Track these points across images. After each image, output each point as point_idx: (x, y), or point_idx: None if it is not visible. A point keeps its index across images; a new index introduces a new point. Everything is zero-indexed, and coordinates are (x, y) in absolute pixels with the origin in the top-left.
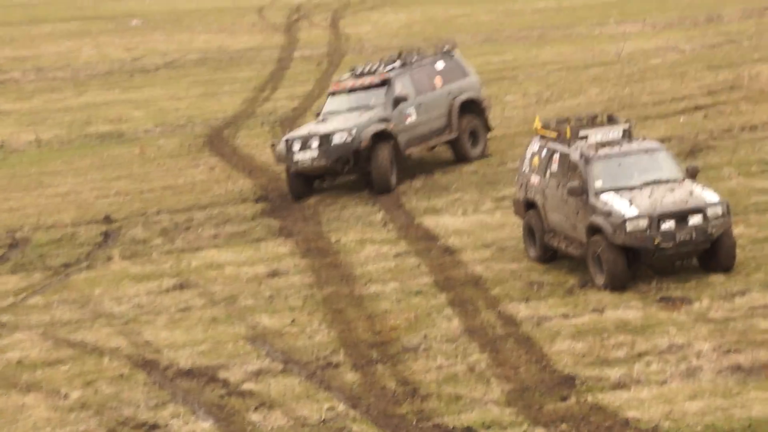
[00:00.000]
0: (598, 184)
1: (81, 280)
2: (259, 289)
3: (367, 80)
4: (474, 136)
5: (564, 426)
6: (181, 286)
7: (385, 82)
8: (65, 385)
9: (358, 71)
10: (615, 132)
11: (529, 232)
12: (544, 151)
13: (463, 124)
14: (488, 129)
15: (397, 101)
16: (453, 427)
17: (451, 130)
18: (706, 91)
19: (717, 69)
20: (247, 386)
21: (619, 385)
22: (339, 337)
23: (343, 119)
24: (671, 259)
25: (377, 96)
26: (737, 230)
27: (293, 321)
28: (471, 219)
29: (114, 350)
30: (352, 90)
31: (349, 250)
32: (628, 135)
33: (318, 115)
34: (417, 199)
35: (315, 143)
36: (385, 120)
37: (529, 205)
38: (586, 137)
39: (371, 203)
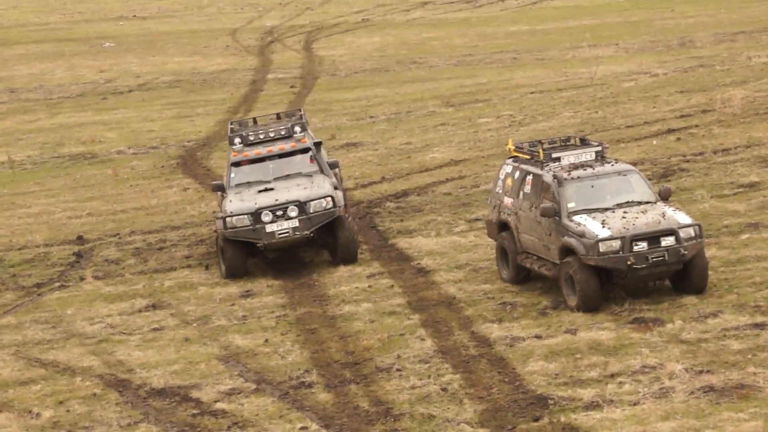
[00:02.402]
0: (571, 205)
1: (53, 300)
2: (232, 310)
3: (287, 146)
4: None
5: None
6: (154, 307)
7: (308, 149)
8: (37, 405)
9: (251, 138)
10: (588, 154)
11: (502, 254)
12: (517, 173)
13: None
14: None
15: (333, 167)
16: None
17: None
18: (678, 115)
19: (689, 93)
20: (220, 406)
21: (592, 406)
22: (312, 357)
23: (296, 187)
24: (644, 281)
25: (302, 162)
26: (710, 252)
27: (266, 341)
28: (444, 240)
29: (86, 370)
30: (267, 157)
31: (322, 270)
32: (600, 157)
33: (221, 189)
34: (390, 221)
35: (294, 212)
36: (336, 187)
37: (502, 227)
38: (559, 159)
39: None
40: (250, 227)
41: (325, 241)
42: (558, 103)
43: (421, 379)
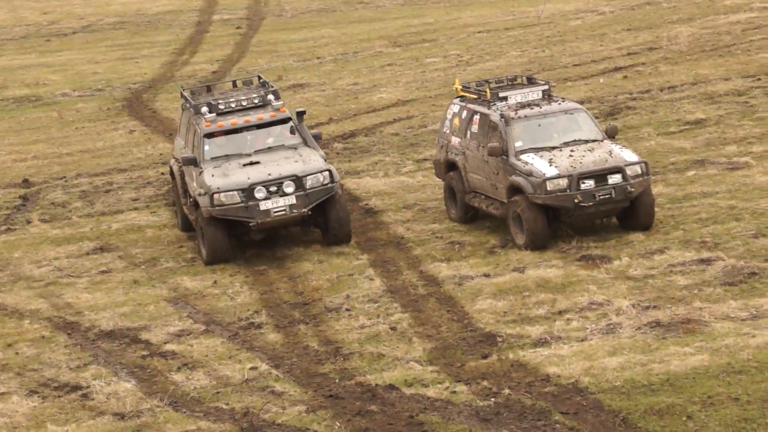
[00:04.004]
0: (518, 144)
1: (0, 244)
2: (181, 252)
3: (266, 115)
4: None
5: (485, 383)
6: (102, 249)
7: (288, 118)
8: None
9: (221, 106)
10: (535, 93)
11: (450, 193)
12: (465, 113)
13: None
14: None
15: (317, 138)
16: (375, 385)
17: None
18: (625, 53)
19: (636, 30)
20: (169, 347)
21: (540, 343)
22: (261, 298)
23: (285, 160)
24: (591, 218)
25: (282, 134)
26: (656, 189)
27: (215, 282)
28: (392, 180)
29: (34, 312)
30: (245, 128)
31: None
32: (547, 96)
33: (193, 163)
34: (338, 161)
35: (290, 188)
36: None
37: (450, 166)
38: (506, 98)
39: None
40: (242, 204)
41: (316, 220)
42: (505, 42)
43: (370, 319)
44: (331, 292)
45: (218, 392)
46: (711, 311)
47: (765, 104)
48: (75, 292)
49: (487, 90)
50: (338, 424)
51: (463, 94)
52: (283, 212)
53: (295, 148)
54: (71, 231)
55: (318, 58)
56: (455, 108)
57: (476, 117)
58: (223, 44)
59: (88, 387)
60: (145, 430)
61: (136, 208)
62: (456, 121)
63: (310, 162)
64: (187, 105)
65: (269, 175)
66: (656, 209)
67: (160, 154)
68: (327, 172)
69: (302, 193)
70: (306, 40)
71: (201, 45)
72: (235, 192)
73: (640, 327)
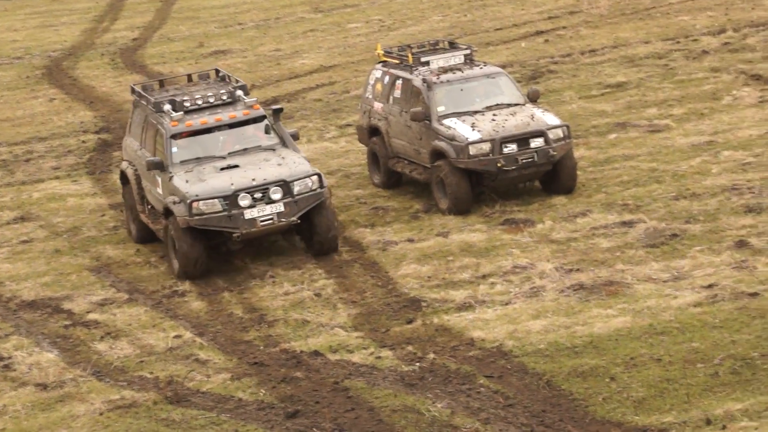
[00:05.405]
0: (441, 109)
1: None
2: (103, 221)
3: (238, 113)
4: None
5: (410, 348)
6: (23, 219)
7: (263, 116)
8: None
9: (186, 104)
10: (457, 58)
11: (374, 159)
12: (387, 78)
13: None
14: None
15: (296, 138)
16: (300, 352)
17: None
18: (546, 17)
19: None
20: (92, 316)
21: (464, 307)
22: None
23: (265, 163)
24: (514, 182)
25: (256, 134)
26: (578, 152)
27: (138, 251)
28: (316, 146)
29: None
30: (216, 127)
31: None
32: (469, 60)
33: (160, 167)
34: None
35: (277, 194)
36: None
37: (373, 132)
38: (428, 63)
39: None
40: (224, 213)
41: (299, 227)
42: (427, 7)
43: (294, 285)
44: (254, 260)
45: (142, 361)
46: (633, 273)
47: (685, 67)
48: None
49: (409, 55)
50: (263, 392)
51: (385, 59)
52: (270, 221)
53: (274, 150)
54: None
55: (240, 24)
56: (377, 73)
57: (399, 82)
58: (144, 11)
59: (9, 358)
60: (69, 401)
61: (57, 177)
62: (378, 86)
63: (296, 165)
64: (143, 102)
65: (253, 180)
66: (578, 172)
67: (81, 123)
68: (315, 177)
69: (290, 199)
70: (227, 6)
71: (121, 12)
72: (217, 200)
73: (564, 290)
